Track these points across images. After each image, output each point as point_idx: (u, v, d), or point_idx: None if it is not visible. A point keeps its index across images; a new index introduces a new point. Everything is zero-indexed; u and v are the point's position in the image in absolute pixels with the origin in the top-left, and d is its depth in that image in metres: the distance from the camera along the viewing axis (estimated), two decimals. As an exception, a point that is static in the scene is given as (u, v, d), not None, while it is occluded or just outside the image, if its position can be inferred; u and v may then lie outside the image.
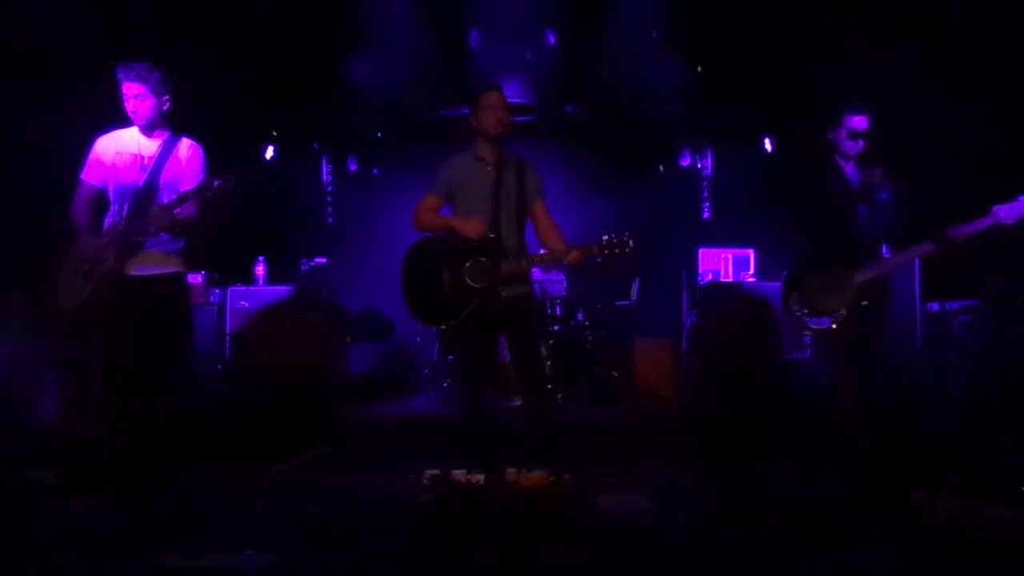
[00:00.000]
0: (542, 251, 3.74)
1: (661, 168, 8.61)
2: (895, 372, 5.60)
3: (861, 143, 3.78)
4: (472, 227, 3.62)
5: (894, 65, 5.67)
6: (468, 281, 3.61)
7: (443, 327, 3.71)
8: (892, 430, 4.47)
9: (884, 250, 3.88)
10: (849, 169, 3.84)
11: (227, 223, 3.90)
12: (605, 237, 3.51)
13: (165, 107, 3.67)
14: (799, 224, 3.95)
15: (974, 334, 5.63)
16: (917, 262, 5.84)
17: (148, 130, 3.68)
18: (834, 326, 3.68)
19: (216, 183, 3.41)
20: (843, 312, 3.66)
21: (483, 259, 3.62)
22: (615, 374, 6.54)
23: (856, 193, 3.76)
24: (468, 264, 3.64)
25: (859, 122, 3.77)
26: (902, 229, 3.76)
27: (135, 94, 3.59)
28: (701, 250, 7.26)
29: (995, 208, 3.47)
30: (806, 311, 3.75)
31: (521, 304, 3.69)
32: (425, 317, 3.79)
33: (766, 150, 7.87)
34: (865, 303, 3.68)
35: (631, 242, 3.46)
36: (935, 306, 5.95)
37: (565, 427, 5.26)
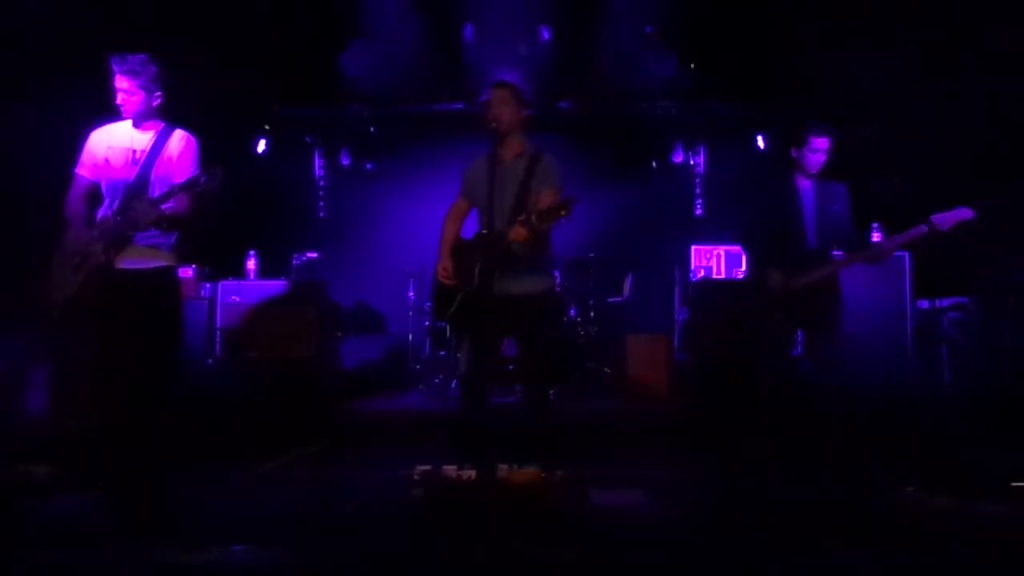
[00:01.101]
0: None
1: (654, 164, 8.61)
2: (883, 368, 5.64)
3: (823, 160, 4.05)
4: (441, 270, 3.74)
5: (889, 63, 5.69)
6: (459, 273, 3.70)
7: (441, 318, 3.79)
8: (883, 426, 4.50)
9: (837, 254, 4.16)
10: (807, 186, 4.12)
11: (214, 219, 3.87)
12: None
13: (155, 102, 3.64)
14: (760, 234, 4.26)
15: (964, 331, 5.66)
16: (908, 260, 5.89)
17: (138, 123, 3.65)
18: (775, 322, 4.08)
19: (202, 179, 3.39)
20: (779, 314, 4.04)
21: (470, 253, 3.68)
22: (608, 370, 6.54)
23: (802, 209, 4.10)
24: (460, 258, 3.74)
25: (821, 143, 4.04)
26: (855, 234, 4.11)
27: (124, 88, 3.57)
28: (693, 247, 7.27)
29: (932, 217, 3.79)
30: (754, 311, 4.16)
31: (532, 303, 3.67)
32: (436, 313, 4.00)
33: (759, 147, 7.89)
34: (810, 304, 3.99)
35: (571, 200, 3.37)
36: (925, 303, 5.99)
37: (558, 423, 5.29)
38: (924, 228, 3.79)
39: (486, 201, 3.64)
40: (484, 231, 3.65)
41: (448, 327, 3.74)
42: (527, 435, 3.64)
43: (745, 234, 4.42)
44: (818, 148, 4.02)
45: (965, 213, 3.75)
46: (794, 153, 4.12)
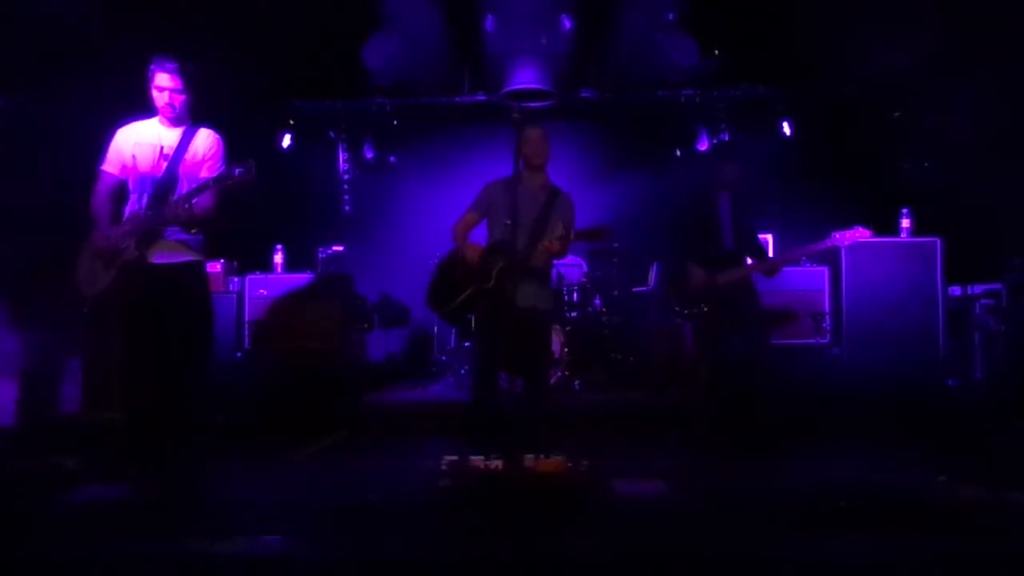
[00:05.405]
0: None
1: (678, 152, 8.54)
2: (914, 356, 5.56)
3: (731, 179, 4.85)
4: (471, 251, 4.10)
5: (916, 47, 5.59)
6: (471, 273, 4.03)
7: (442, 310, 4.18)
8: (914, 414, 4.44)
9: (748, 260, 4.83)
10: (724, 197, 4.82)
11: (240, 215, 3.90)
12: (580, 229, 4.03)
13: (193, 99, 3.70)
14: (683, 236, 4.91)
15: (996, 317, 5.57)
16: (939, 246, 5.80)
17: (167, 120, 3.69)
18: (700, 315, 4.66)
19: (236, 171, 3.42)
20: (705, 307, 4.62)
21: (489, 257, 4.06)
22: (632, 360, 6.51)
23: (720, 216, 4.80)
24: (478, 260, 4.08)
25: (729, 166, 4.90)
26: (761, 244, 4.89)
27: (173, 87, 3.61)
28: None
29: (833, 233, 4.49)
30: (677, 304, 4.78)
31: (537, 318, 4.07)
32: (432, 303, 4.30)
33: (784, 133, 7.79)
34: (727, 298, 4.57)
35: (609, 231, 4.09)
36: (957, 290, 5.89)
37: (582, 413, 5.29)
38: (828, 243, 4.48)
39: (511, 219, 3.88)
40: (506, 240, 3.93)
41: (451, 319, 4.35)
42: (526, 430, 3.92)
43: (669, 236, 5.07)
44: (726, 170, 4.84)
45: (863, 233, 4.43)
46: (711, 185, 4.87)
